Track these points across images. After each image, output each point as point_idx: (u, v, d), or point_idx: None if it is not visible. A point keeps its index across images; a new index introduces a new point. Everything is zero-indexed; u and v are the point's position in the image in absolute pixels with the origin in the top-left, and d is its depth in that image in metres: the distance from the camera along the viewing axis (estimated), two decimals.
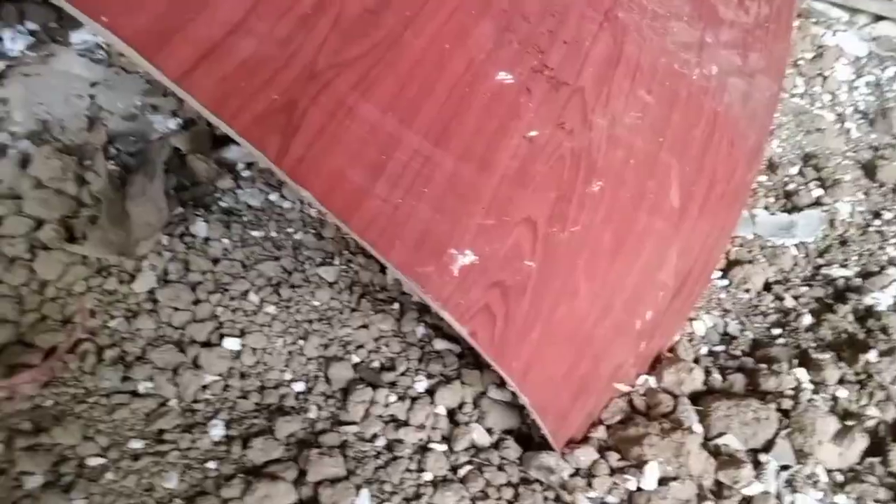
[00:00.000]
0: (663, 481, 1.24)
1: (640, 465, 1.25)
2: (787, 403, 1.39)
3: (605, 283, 1.28)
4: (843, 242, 1.86)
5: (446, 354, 1.46)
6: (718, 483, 1.27)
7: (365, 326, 1.48)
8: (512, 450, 1.30)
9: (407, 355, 1.45)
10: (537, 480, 1.25)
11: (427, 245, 1.04)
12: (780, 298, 1.73)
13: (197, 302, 1.44)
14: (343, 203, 0.95)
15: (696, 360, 1.51)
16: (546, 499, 1.22)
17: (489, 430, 1.34)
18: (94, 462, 1.18)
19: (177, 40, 0.80)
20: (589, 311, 1.25)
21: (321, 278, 1.55)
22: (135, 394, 1.29)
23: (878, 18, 2.72)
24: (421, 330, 1.50)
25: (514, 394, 1.35)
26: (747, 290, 1.74)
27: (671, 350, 1.50)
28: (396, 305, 1.54)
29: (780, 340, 1.60)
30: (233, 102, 0.84)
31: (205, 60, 0.82)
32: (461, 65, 1.16)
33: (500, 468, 1.26)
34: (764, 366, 1.49)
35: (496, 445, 1.31)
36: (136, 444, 1.22)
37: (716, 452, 1.30)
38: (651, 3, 1.59)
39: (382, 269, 1.60)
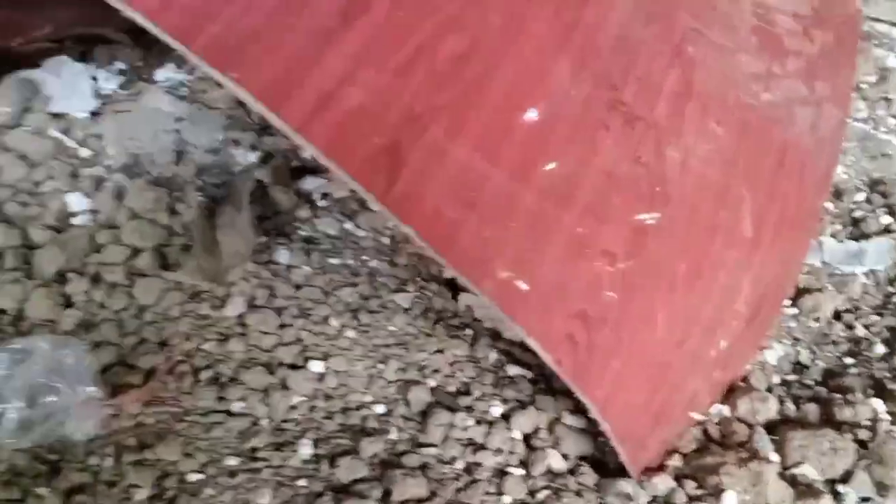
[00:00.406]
0: None
1: (717, 493, 1.27)
2: (863, 434, 1.39)
3: (682, 312, 1.31)
4: None
5: (519, 380, 1.50)
6: None
7: (440, 351, 1.53)
8: (588, 476, 1.33)
9: (481, 380, 1.50)
10: None
11: (514, 276, 1.09)
12: (850, 327, 1.72)
13: (283, 326, 1.51)
14: (440, 238, 1.01)
15: (769, 390, 1.51)
16: None
17: (565, 456, 1.37)
18: (193, 478, 1.26)
19: (296, 94, 0.88)
20: (666, 340, 1.28)
21: (397, 304, 1.61)
22: (229, 413, 1.36)
23: None
24: (494, 355, 1.55)
25: (589, 420, 1.38)
26: (817, 319, 1.73)
27: (744, 379, 1.51)
28: (469, 331, 1.59)
29: (853, 370, 1.60)
30: (344, 147, 0.91)
31: (320, 111, 0.90)
32: (541, 104, 1.22)
33: (578, 494, 1.29)
34: (838, 395, 1.48)
35: (572, 471, 1.34)
36: (232, 462, 1.29)
37: (793, 482, 1.31)
38: (718, 36, 1.62)
39: (454, 295, 1.66)
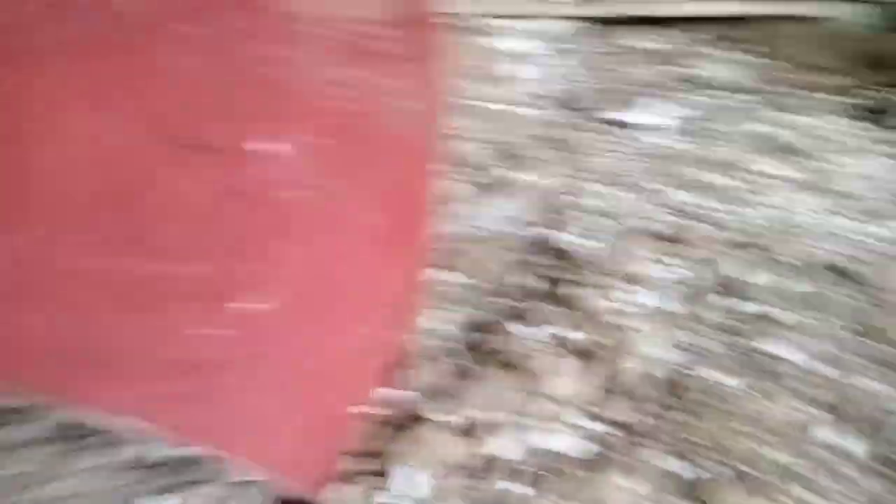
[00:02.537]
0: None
1: (390, 472, 1.29)
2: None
3: (304, 334, 1.29)
4: None
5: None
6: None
7: None
8: None
9: None
10: None
11: None
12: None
13: None
14: None
15: (430, 357, 1.58)
16: None
17: None
18: None
19: None
20: (292, 365, 1.25)
21: None
22: None
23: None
24: None
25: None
26: (472, 277, 1.86)
27: (403, 354, 1.55)
28: None
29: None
30: None
31: None
32: None
33: None
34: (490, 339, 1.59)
35: None
36: None
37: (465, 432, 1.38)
38: (293, 55, 1.68)
39: None
